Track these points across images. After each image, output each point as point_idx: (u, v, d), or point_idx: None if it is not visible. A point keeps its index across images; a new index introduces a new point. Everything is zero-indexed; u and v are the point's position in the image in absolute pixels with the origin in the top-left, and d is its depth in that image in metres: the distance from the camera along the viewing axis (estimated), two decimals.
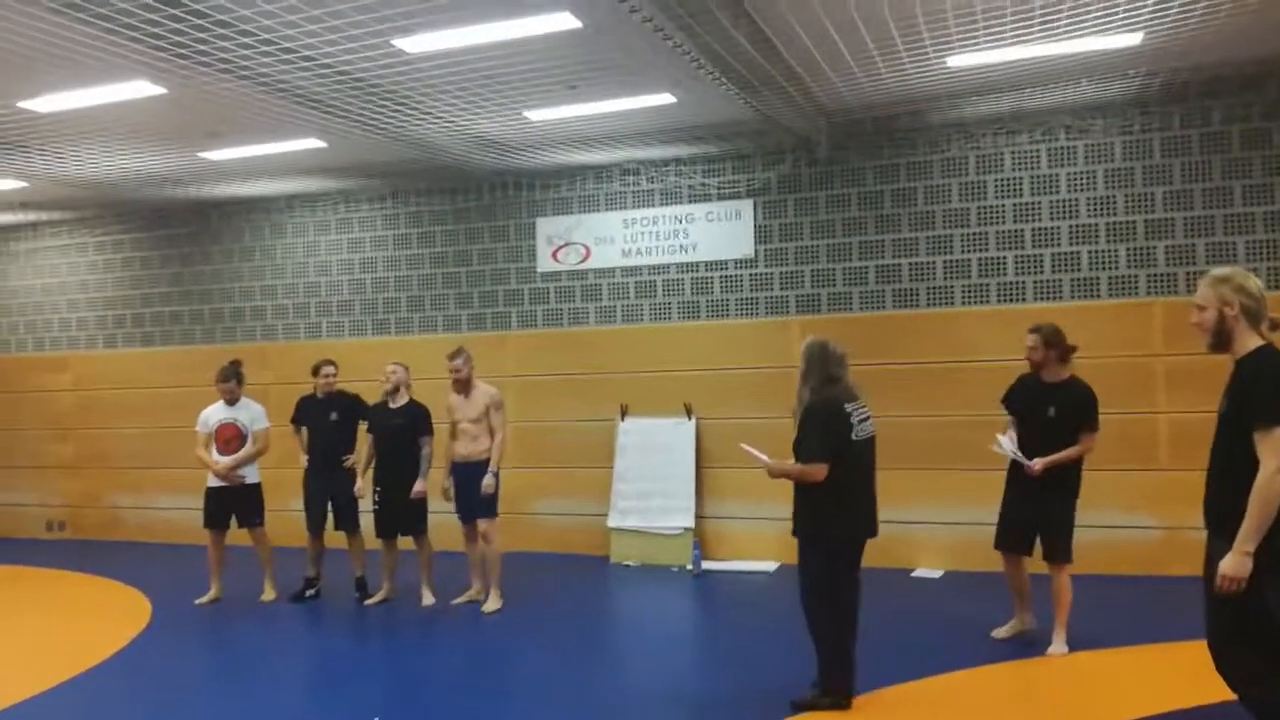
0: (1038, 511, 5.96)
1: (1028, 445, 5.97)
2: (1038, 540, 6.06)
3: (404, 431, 7.70)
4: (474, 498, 7.39)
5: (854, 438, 4.93)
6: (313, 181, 10.08)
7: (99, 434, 11.73)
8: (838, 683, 5.01)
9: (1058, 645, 5.91)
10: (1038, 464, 5.86)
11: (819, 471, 4.85)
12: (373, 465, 7.84)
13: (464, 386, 7.53)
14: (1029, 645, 6.05)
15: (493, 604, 7.44)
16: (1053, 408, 5.92)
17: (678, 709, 5.36)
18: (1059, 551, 5.93)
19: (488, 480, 7.35)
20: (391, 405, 7.79)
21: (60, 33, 5.56)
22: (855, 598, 5.09)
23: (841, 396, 4.97)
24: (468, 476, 7.44)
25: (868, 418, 5.06)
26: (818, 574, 5.00)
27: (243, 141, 8.32)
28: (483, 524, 7.43)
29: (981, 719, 5.06)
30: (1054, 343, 5.93)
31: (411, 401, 7.82)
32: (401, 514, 7.70)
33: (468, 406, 7.50)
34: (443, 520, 7.91)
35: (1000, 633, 6.26)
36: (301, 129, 7.90)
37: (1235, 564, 3.46)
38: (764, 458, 5.10)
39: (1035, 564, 6.10)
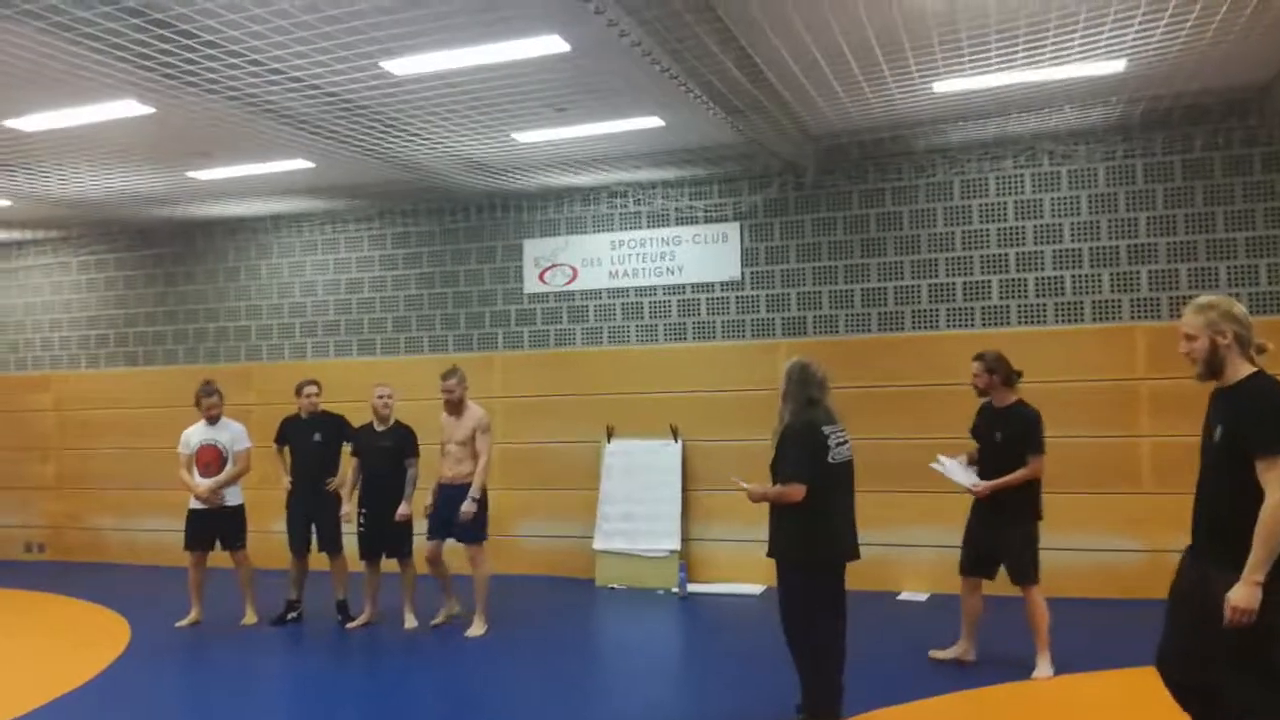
0: (995, 536, 6.00)
1: (982, 471, 6.07)
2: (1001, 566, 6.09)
3: (392, 454, 7.67)
4: (453, 520, 7.35)
5: (830, 460, 4.91)
6: (299, 201, 10.07)
7: (81, 454, 11.63)
8: (822, 706, 4.95)
9: (1042, 668, 5.91)
10: (980, 486, 5.95)
11: (797, 492, 4.84)
12: (358, 487, 7.79)
13: (456, 408, 7.50)
14: (1014, 668, 6.03)
15: (477, 629, 7.38)
16: (999, 432, 6.01)
17: None
18: (1021, 574, 5.96)
19: (467, 506, 7.27)
20: (378, 428, 7.76)
21: (48, 52, 5.55)
22: (837, 621, 5.03)
23: (820, 419, 4.96)
24: (449, 499, 7.39)
25: (846, 441, 5.05)
26: (797, 597, 4.97)
27: (230, 161, 8.32)
28: (471, 549, 7.38)
29: None
30: (997, 368, 6.04)
31: (398, 424, 7.79)
32: (387, 536, 7.65)
33: (456, 428, 7.46)
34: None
35: (938, 654, 6.25)
36: (289, 149, 7.90)
37: (1246, 595, 3.33)
38: (745, 485, 5.09)
39: (1008, 588, 6.11)
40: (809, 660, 4.97)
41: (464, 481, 7.35)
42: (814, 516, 4.87)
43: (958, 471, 6.11)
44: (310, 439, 7.91)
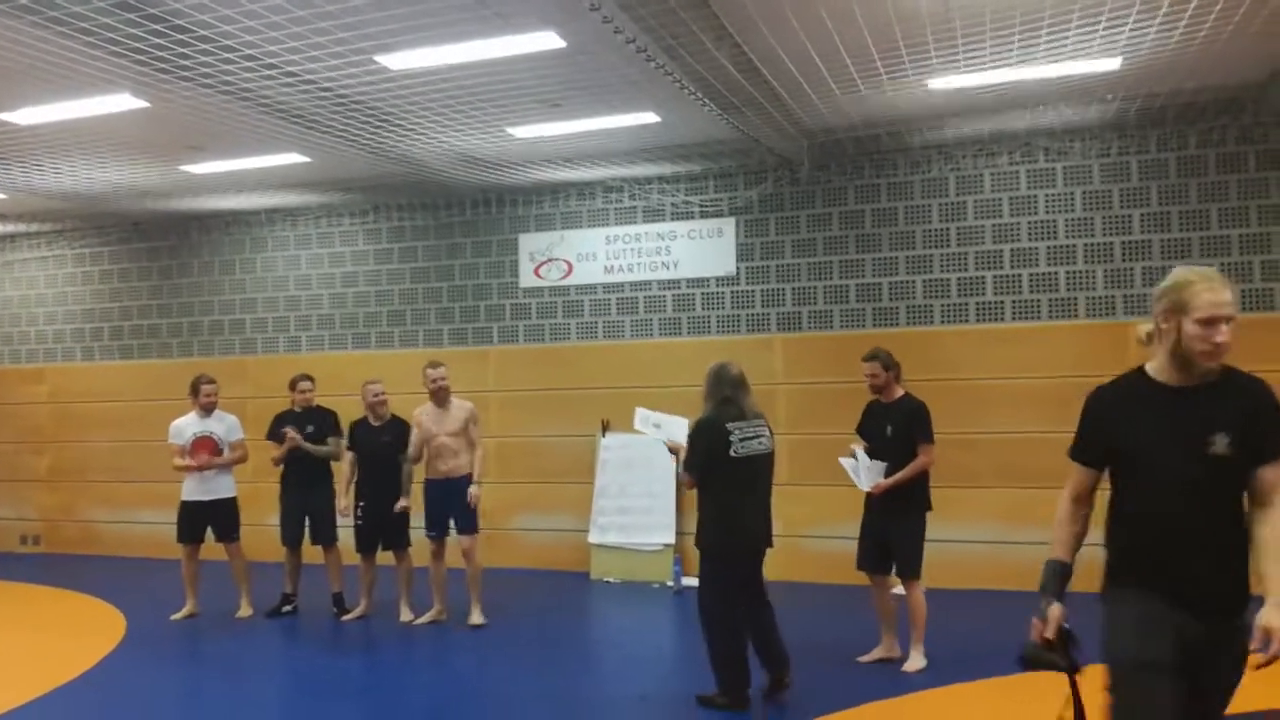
0: (885, 530, 6.04)
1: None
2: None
3: (390, 448, 7.68)
4: (459, 513, 7.36)
5: (733, 454, 5.23)
6: (294, 195, 10.06)
7: (76, 447, 11.62)
8: (732, 684, 5.32)
9: (914, 660, 5.95)
10: (875, 487, 5.97)
11: (688, 482, 5.37)
12: (354, 481, 7.79)
13: (444, 399, 7.49)
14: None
15: (478, 617, 7.41)
16: (889, 426, 6.05)
17: None
18: (904, 568, 6.00)
19: (474, 491, 7.32)
20: (374, 423, 7.77)
21: (42, 46, 5.54)
22: (752, 608, 5.40)
23: (728, 416, 5.30)
24: (449, 492, 7.40)
25: (757, 436, 5.36)
26: (710, 583, 5.35)
27: (225, 155, 8.31)
28: (465, 541, 7.39)
29: None
30: (891, 365, 6.11)
31: (395, 418, 7.80)
32: (384, 529, 7.67)
33: (447, 420, 7.45)
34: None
35: (864, 657, 6.24)
36: (284, 144, 7.89)
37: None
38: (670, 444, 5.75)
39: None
40: (720, 643, 5.31)
41: (462, 474, 7.37)
42: (722, 507, 5.30)
43: (864, 469, 6.09)
44: (304, 433, 7.92)
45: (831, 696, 5.48)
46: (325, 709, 5.76)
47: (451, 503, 7.37)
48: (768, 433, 5.46)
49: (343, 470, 7.87)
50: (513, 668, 6.42)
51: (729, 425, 5.27)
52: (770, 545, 5.48)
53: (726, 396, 5.36)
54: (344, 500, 7.80)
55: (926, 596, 6.05)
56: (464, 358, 10.07)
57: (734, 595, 5.31)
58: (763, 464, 5.41)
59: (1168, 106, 7.68)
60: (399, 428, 7.75)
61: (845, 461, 6.17)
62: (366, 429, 7.78)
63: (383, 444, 7.69)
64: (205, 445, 7.87)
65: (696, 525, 5.45)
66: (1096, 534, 3.25)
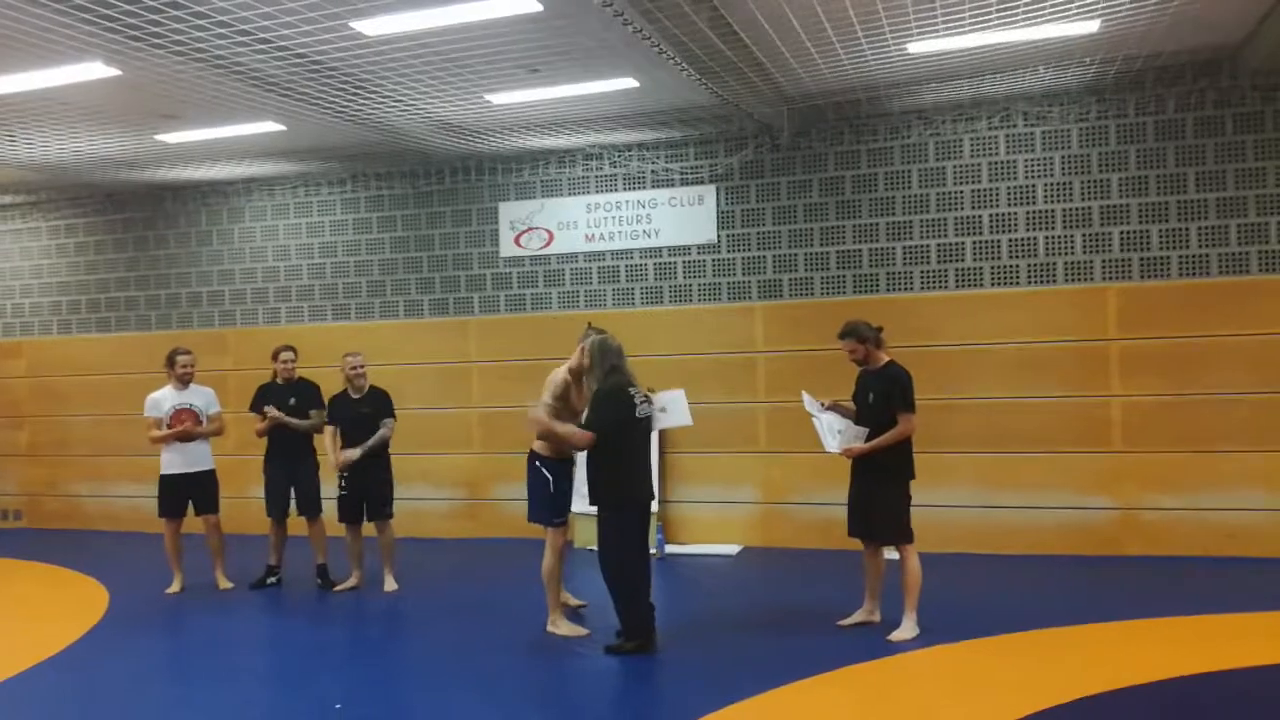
0: (868, 496, 6.08)
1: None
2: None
3: (370, 419, 7.68)
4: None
5: (636, 415, 5.81)
6: (271, 165, 9.96)
7: (55, 421, 11.55)
8: (636, 628, 5.79)
9: (904, 629, 5.95)
10: (849, 450, 6.02)
11: (584, 437, 5.74)
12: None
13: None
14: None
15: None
16: (871, 393, 6.08)
17: (637, 697, 5.40)
18: (893, 534, 6.04)
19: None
20: (354, 395, 7.75)
21: (10, 14, 5.45)
22: (646, 554, 5.93)
23: (624, 382, 5.84)
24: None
25: (647, 400, 5.95)
26: (615, 535, 5.80)
27: (199, 124, 8.21)
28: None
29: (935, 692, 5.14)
30: (868, 337, 6.12)
31: (374, 388, 7.79)
32: (369, 500, 7.69)
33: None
34: (417, 506, 7.88)
35: (844, 621, 6.27)
36: (259, 112, 7.80)
37: None
38: (530, 407, 6.12)
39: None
40: (623, 591, 5.79)
41: None
42: (627, 463, 5.81)
43: (826, 428, 6.14)
44: (285, 404, 7.89)
45: (811, 660, 5.53)
46: (310, 678, 5.78)
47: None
48: (650, 400, 6.04)
49: (324, 444, 7.82)
50: (494, 636, 6.43)
51: (630, 389, 5.83)
52: (654, 498, 6.13)
53: (615, 365, 5.85)
54: (336, 457, 7.70)
55: None
56: (444, 328, 10.03)
57: (635, 546, 5.82)
58: (648, 426, 6.03)
59: (1146, 70, 7.69)
60: (378, 397, 7.73)
61: (816, 424, 6.18)
62: (345, 401, 7.76)
63: (362, 415, 7.67)
64: (187, 416, 7.83)
65: (594, 484, 5.82)
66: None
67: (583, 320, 9.58)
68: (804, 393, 6.31)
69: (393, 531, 7.83)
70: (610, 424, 5.72)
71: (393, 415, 7.78)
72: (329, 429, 7.77)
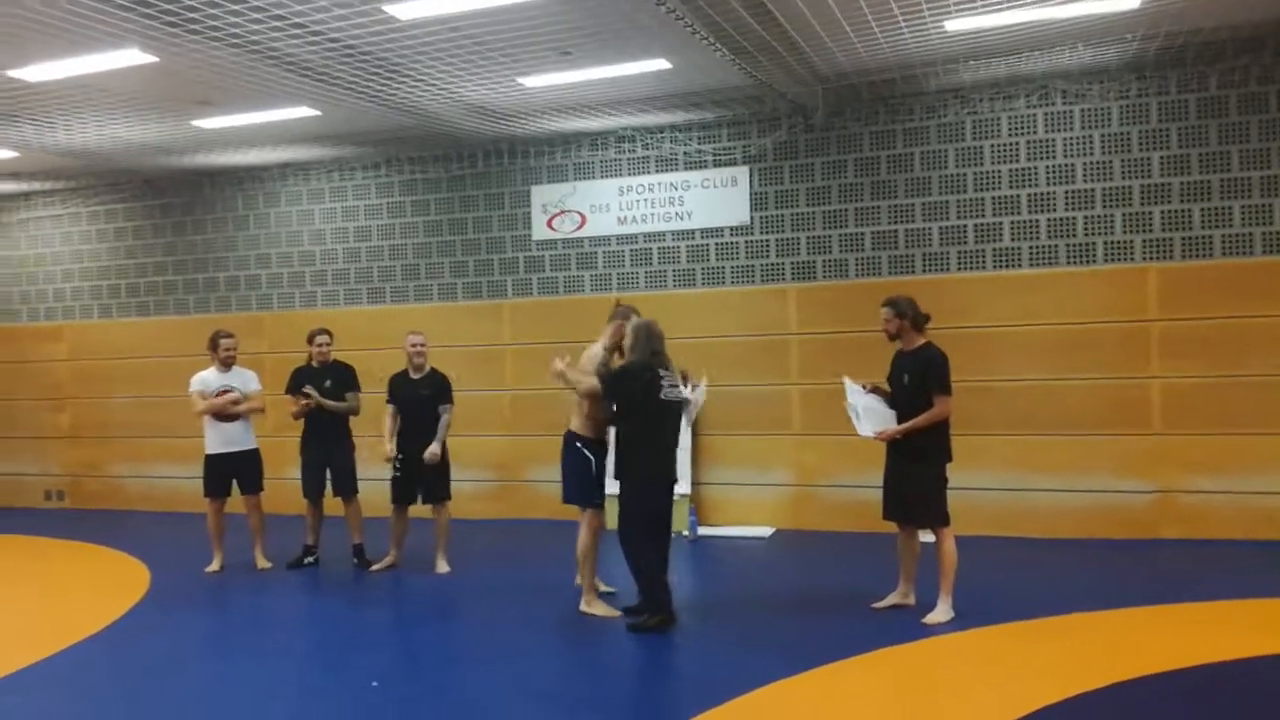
0: (903, 479, 6.03)
1: (896, 415, 6.05)
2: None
3: (430, 401, 7.70)
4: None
5: (662, 398, 5.93)
6: (306, 149, 10.03)
7: (96, 404, 11.74)
8: (658, 604, 5.93)
9: (939, 611, 5.90)
10: (882, 434, 5.98)
11: (593, 386, 6.10)
12: (395, 435, 7.77)
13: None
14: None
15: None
16: (906, 374, 6.00)
17: (670, 677, 5.42)
18: (928, 517, 5.98)
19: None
20: (414, 376, 7.78)
21: (48, 3, 5.50)
22: (667, 531, 6.07)
23: (657, 364, 5.98)
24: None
25: (676, 385, 6.06)
26: (636, 510, 5.93)
27: (235, 110, 8.27)
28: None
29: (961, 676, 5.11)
30: (908, 312, 6.02)
31: (434, 371, 7.82)
32: (423, 482, 7.69)
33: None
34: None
35: (878, 604, 6.23)
36: (294, 97, 7.85)
37: None
38: (559, 363, 6.18)
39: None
40: (646, 569, 5.95)
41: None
42: (650, 442, 5.96)
43: (862, 411, 6.09)
44: (322, 387, 7.96)
45: (844, 642, 5.51)
46: (347, 656, 5.85)
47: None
48: (681, 385, 6.18)
49: (384, 423, 7.80)
50: (528, 617, 6.47)
51: (661, 371, 5.97)
52: (677, 479, 6.22)
53: (656, 350, 6.02)
54: (389, 446, 7.73)
55: None
56: (478, 311, 10.08)
57: (655, 522, 5.99)
58: (679, 409, 6.14)
59: (1187, 46, 7.54)
60: (438, 380, 7.77)
61: (849, 408, 6.14)
62: (405, 380, 7.78)
63: (422, 396, 7.70)
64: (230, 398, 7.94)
65: (620, 459, 6.00)
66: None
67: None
68: (845, 378, 6.26)
69: (449, 514, 7.87)
70: (618, 391, 5.99)
71: (451, 401, 7.80)
72: (388, 408, 7.78)
